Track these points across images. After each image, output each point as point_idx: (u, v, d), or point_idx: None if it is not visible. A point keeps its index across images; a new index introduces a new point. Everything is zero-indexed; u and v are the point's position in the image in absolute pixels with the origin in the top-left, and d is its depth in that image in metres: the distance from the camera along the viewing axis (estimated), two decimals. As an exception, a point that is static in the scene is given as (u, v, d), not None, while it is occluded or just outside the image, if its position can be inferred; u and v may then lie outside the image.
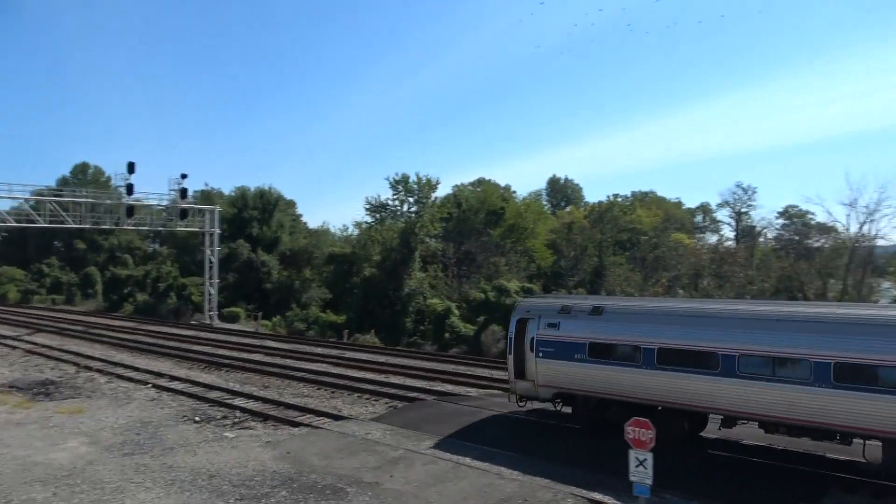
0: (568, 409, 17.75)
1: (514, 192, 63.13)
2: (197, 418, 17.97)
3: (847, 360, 12.52)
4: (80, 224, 42.63)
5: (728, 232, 54.85)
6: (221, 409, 19.34)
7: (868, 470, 12.96)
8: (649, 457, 10.06)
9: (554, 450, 14.85)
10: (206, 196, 62.38)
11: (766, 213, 64.78)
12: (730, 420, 14.72)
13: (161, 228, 49.47)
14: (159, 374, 24.46)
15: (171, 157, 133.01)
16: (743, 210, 53.93)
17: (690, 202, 76.77)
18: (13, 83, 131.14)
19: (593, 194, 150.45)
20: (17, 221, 44.33)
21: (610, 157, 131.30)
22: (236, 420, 17.95)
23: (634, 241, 50.15)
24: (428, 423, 17.03)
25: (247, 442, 15.42)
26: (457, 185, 57.33)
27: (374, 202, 50.37)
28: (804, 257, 45.09)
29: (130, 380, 23.43)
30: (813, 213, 50.56)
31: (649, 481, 9.99)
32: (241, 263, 51.44)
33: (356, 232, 52.74)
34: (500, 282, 38.37)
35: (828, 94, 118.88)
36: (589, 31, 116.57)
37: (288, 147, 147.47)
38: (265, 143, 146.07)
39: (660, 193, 72.93)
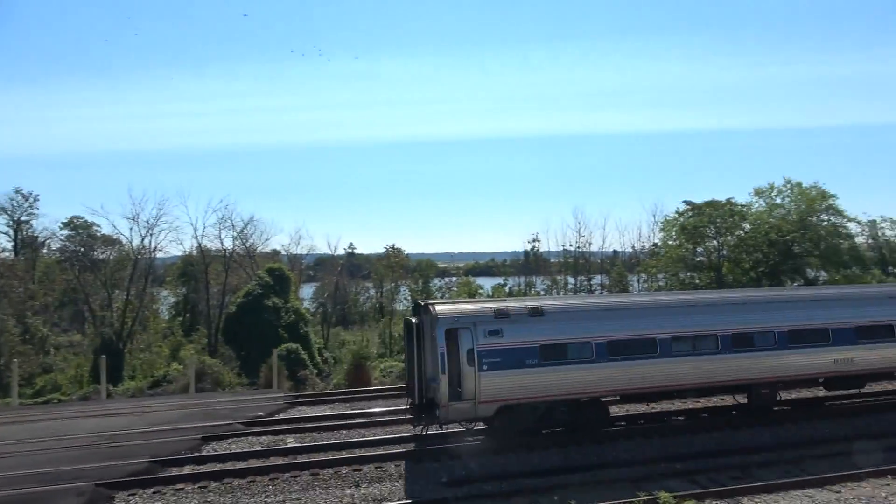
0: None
1: None
2: None
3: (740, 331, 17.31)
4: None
5: (5, 242, 49.45)
6: None
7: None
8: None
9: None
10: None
11: (49, 223, 62.76)
12: (664, 395, 17.53)
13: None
14: None
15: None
16: (23, 219, 49.72)
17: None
18: None
19: None
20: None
21: None
22: None
23: None
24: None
25: None
26: None
27: None
28: (90, 269, 45.07)
29: None
30: (98, 225, 51.12)
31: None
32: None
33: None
34: None
35: (116, 109, 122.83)
36: None
37: None
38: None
39: None
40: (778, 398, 19.25)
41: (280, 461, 15.62)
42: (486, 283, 42.21)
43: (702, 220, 35.35)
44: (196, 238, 49.04)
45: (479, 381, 15.57)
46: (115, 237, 49.32)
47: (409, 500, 13.07)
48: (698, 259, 36.62)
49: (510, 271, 58.96)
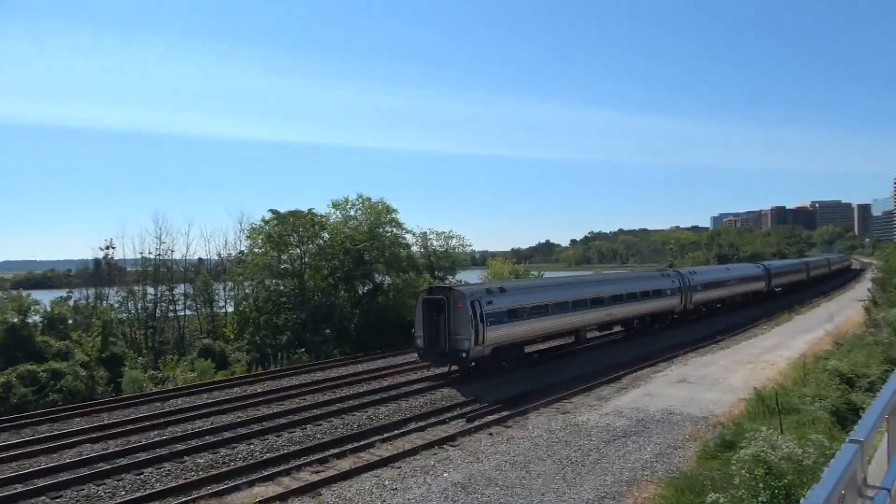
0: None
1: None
2: None
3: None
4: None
5: None
6: None
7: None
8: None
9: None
10: None
11: None
12: (552, 337, 31.65)
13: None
14: None
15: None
16: None
17: None
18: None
19: None
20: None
21: None
22: None
23: None
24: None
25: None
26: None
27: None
28: None
29: None
30: None
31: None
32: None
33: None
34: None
35: None
36: None
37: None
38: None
39: None
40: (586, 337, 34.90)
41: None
42: (45, 297, 35.98)
43: (286, 228, 36.94)
44: None
45: (485, 331, 25.91)
46: None
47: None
48: (283, 266, 38.15)
49: (76, 282, 51.33)
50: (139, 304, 38.75)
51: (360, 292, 39.38)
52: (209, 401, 22.33)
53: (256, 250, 37.86)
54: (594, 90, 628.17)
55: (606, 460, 14.48)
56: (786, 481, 9.22)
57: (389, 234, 40.28)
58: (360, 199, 41.75)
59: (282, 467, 15.12)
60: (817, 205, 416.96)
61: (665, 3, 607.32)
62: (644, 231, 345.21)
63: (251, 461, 15.66)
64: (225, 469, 15.04)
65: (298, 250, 37.50)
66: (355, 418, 19.49)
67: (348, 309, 37.41)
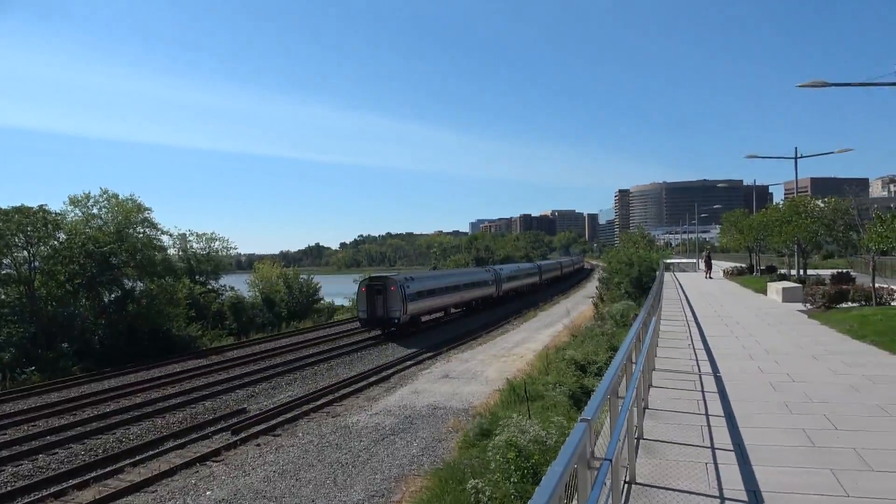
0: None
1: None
2: None
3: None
4: None
5: None
6: None
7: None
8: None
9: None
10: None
11: None
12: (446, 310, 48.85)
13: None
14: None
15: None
16: None
17: None
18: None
19: None
20: None
21: None
22: None
23: None
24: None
25: None
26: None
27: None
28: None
29: None
30: None
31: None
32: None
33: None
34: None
35: None
36: None
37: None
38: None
39: None
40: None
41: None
42: None
43: (9, 227, 31.56)
44: None
45: (409, 304, 39.66)
46: None
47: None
48: (4, 272, 32.51)
49: None
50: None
51: (107, 300, 35.12)
52: None
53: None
54: (362, 95, 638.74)
55: (376, 459, 14.87)
56: (533, 461, 10.33)
57: (141, 234, 36.61)
58: (105, 196, 37.28)
59: (4, 508, 12.98)
60: (556, 213, 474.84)
61: (424, 20, 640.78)
62: (410, 235, 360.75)
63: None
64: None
65: (26, 253, 32.32)
66: (100, 441, 17.44)
67: (91, 319, 33.14)
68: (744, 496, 5.66)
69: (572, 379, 18.49)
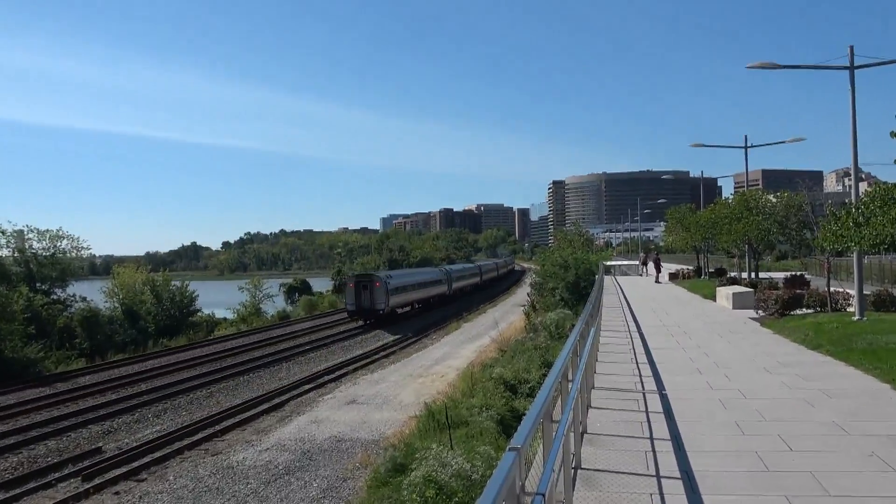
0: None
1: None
2: None
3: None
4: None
5: None
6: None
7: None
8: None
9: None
10: None
11: None
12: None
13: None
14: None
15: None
16: None
17: None
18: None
19: None
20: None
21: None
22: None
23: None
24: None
25: None
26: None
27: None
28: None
29: None
30: None
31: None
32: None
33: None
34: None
35: None
36: None
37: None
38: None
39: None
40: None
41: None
42: None
43: None
44: None
45: (391, 297, 57.09)
46: None
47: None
48: None
49: None
50: None
51: None
52: None
53: None
54: (248, 63, 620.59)
55: (266, 505, 14.54)
56: (456, 500, 10.37)
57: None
58: None
59: None
60: (482, 208, 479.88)
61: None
62: (310, 233, 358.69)
63: None
64: None
65: None
66: None
67: None
68: (692, 530, 5.87)
69: (501, 401, 18.80)
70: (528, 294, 56.95)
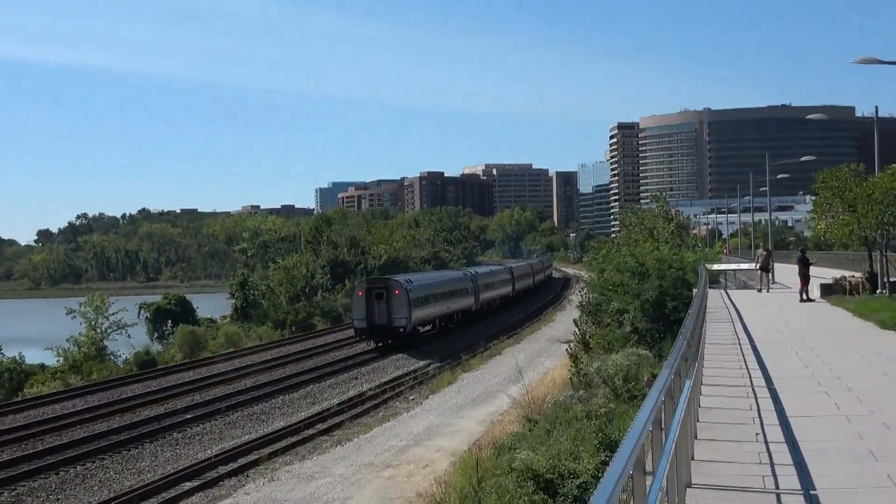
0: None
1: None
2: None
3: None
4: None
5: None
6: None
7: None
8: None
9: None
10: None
11: None
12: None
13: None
14: None
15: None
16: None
17: None
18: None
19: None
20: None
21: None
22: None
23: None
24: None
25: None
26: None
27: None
28: None
29: None
30: None
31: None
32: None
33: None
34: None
35: None
36: None
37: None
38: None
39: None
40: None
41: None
42: None
43: None
44: None
45: (413, 310, 54.70)
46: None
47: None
48: None
49: None
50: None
51: None
52: None
53: None
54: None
55: None
56: None
57: None
58: None
59: None
60: (495, 171, 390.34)
61: None
62: (192, 215, 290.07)
63: None
64: None
65: None
66: None
67: None
68: None
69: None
70: (574, 321, 45.03)
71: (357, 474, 24.50)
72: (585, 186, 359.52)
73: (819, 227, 46.34)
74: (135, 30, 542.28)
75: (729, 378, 17.33)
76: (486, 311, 74.77)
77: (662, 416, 7.64)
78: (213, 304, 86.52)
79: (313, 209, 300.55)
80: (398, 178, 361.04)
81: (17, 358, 49.66)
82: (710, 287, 37.14)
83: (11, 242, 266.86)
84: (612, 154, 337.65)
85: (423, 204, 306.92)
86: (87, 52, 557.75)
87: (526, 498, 16.24)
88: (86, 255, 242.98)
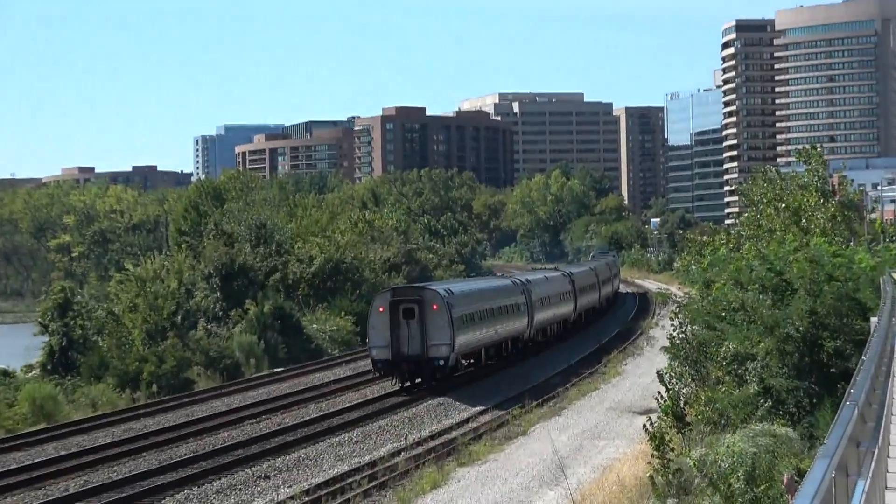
0: None
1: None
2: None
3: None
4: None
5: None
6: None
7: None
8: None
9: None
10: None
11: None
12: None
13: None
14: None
15: None
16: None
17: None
18: None
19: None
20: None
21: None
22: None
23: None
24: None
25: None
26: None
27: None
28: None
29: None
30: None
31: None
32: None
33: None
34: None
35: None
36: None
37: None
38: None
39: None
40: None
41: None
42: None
43: None
44: None
45: (458, 336, 41.67)
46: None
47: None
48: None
49: None
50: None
51: None
52: None
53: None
54: None
55: None
56: None
57: None
58: None
59: None
60: (515, 105, 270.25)
61: None
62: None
63: None
64: None
65: None
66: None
67: None
68: None
69: None
70: (658, 374, 31.73)
71: None
72: (678, 134, 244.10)
73: None
74: None
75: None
76: (539, 339, 58.80)
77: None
78: (7, 344, 61.78)
79: (191, 174, 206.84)
80: (344, 118, 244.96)
81: None
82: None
83: None
84: (727, 77, 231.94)
85: (389, 165, 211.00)
86: None
87: None
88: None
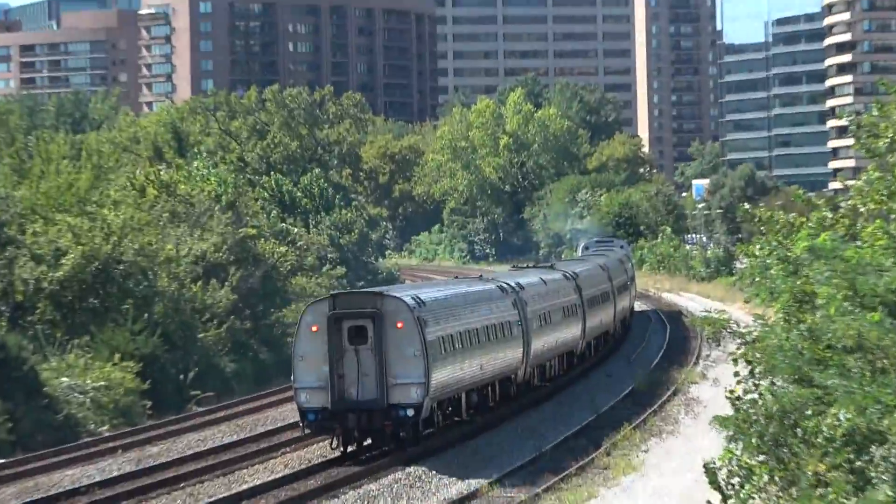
0: None
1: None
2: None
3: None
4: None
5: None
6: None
7: None
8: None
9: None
10: None
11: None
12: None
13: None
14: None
15: None
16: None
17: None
18: None
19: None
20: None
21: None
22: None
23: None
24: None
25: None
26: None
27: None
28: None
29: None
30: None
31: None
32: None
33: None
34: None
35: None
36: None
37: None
38: None
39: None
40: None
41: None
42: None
43: None
44: None
45: (433, 368, 28.60)
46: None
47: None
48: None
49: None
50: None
51: None
52: None
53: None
54: None
55: None
56: None
57: None
58: None
59: None
60: None
61: None
62: None
63: None
64: None
65: None
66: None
67: None
68: None
69: None
70: (707, 467, 16.12)
71: None
72: (741, 23, 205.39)
73: None
74: None
75: None
76: (538, 377, 43.52)
77: None
78: None
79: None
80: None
81: None
82: None
83: None
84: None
85: (204, 79, 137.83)
86: None
87: None
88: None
